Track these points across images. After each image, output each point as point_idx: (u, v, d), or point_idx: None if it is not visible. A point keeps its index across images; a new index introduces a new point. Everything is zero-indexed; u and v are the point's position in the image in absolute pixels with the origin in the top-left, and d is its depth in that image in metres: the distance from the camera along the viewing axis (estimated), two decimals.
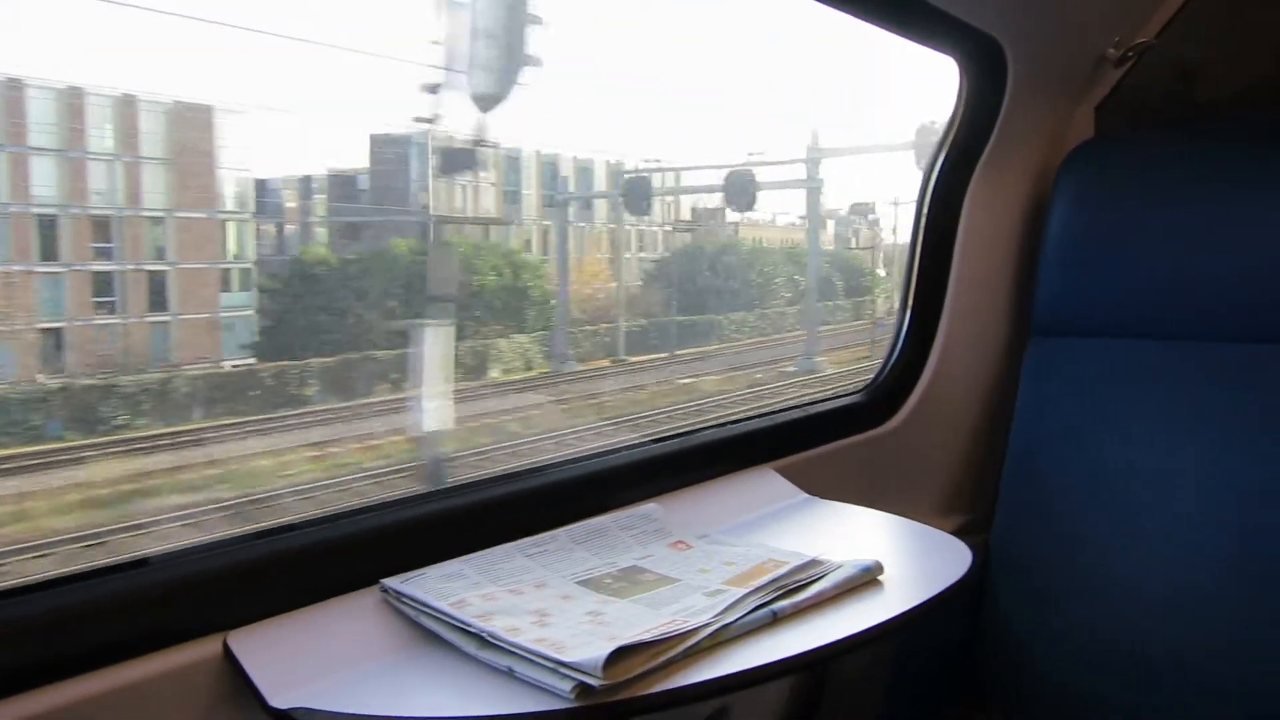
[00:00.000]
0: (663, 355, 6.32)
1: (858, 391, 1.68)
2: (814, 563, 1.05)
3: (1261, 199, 1.48)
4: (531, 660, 0.84)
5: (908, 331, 1.71)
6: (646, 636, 0.86)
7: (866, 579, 1.06)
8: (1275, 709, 1.38)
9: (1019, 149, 1.70)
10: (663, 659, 0.85)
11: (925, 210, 1.70)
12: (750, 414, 1.49)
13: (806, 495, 1.37)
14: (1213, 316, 1.50)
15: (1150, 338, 1.54)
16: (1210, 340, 1.50)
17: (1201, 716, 1.43)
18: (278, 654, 0.88)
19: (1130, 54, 1.67)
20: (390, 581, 0.97)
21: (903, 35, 1.49)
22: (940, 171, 1.68)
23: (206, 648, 0.87)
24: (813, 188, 6.42)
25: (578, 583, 1.01)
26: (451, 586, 0.97)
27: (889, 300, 6.68)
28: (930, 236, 1.70)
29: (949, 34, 1.52)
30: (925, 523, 1.28)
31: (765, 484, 1.37)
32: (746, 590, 0.98)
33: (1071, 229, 1.62)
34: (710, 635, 0.90)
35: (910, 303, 1.71)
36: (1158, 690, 1.46)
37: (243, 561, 0.94)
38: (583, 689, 0.81)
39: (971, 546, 1.17)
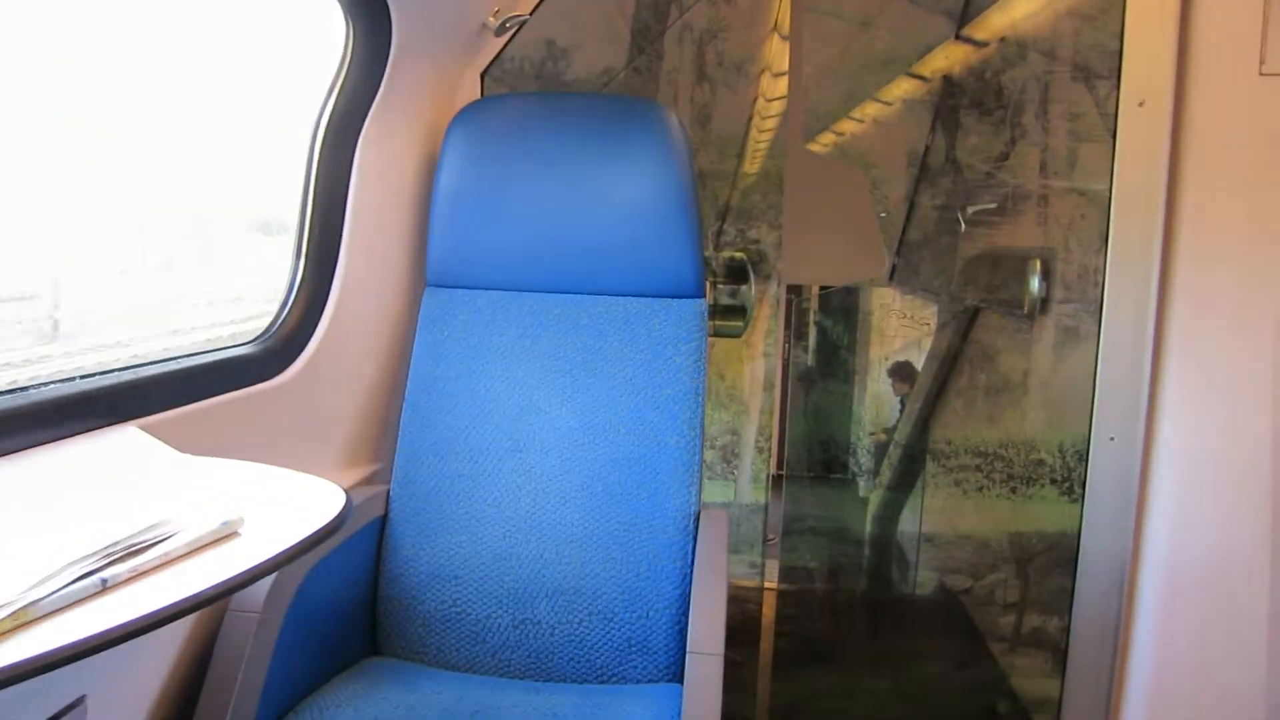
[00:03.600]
0: None
1: (248, 343, 1.59)
2: (162, 524, 0.97)
3: (575, 173, 1.74)
4: None
5: (301, 281, 1.66)
6: None
7: (226, 533, 1.00)
8: (603, 606, 1.63)
9: (408, 105, 1.74)
10: None
11: (316, 160, 1.66)
12: (107, 367, 1.32)
13: (178, 454, 1.26)
14: (552, 271, 1.74)
15: (517, 289, 1.73)
16: (552, 292, 1.74)
17: (558, 619, 1.64)
18: None
19: (508, 25, 1.81)
20: None
21: None
22: (330, 121, 1.66)
23: None
24: None
25: None
26: None
27: None
28: (323, 186, 1.67)
29: None
30: (329, 476, 1.26)
31: (126, 445, 1.23)
32: (67, 562, 0.87)
33: (457, 187, 1.72)
34: (9, 616, 0.78)
35: (304, 251, 1.67)
36: (528, 603, 1.64)
37: None
38: None
39: (349, 494, 1.17)
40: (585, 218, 1.72)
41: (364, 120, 1.67)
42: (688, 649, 1.42)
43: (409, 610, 1.68)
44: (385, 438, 1.80)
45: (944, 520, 2.35)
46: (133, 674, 1.29)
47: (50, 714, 1.09)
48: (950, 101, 2.16)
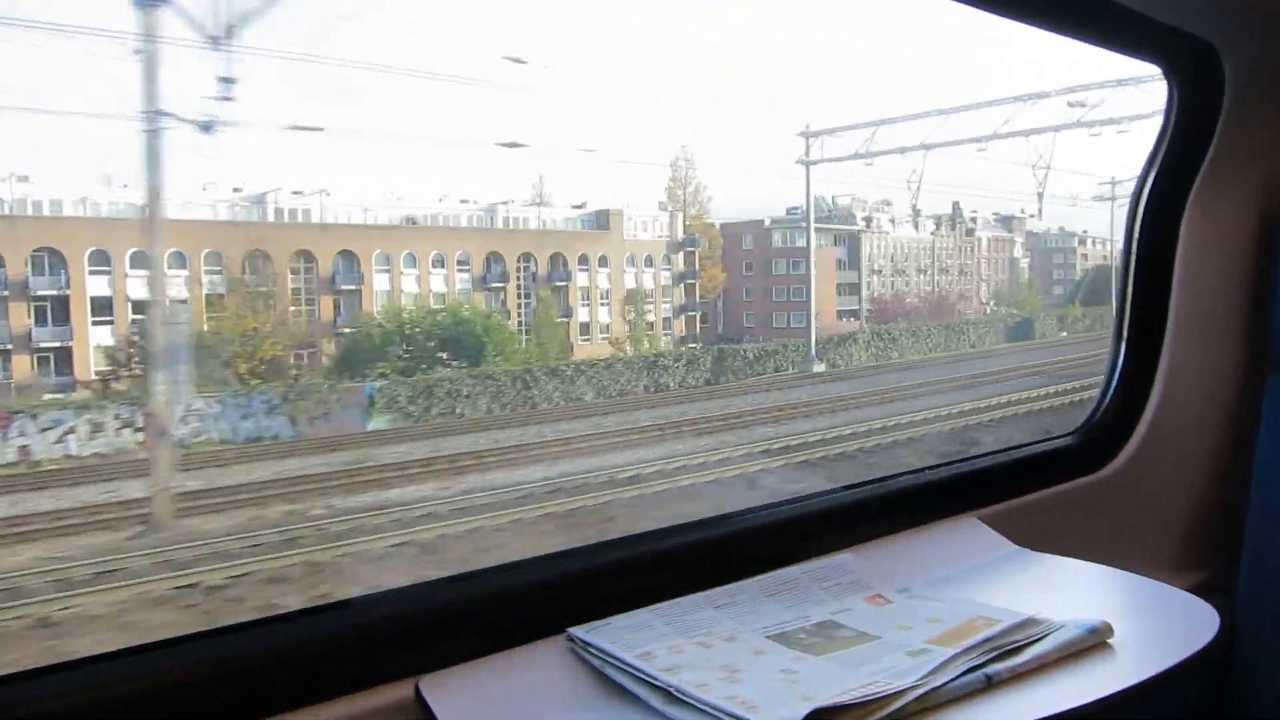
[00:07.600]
0: None
1: (1069, 434, 1.54)
2: (1031, 622, 0.96)
3: None
4: (721, 718, 0.79)
5: (1123, 367, 1.55)
6: (846, 699, 0.79)
7: (1093, 641, 0.95)
8: None
9: (1241, 162, 1.52)
10: None
11: (1137, 234, 1.55)
12: (950, 459, 1.39)
13: (1016, 547, 1.25)
14: None
15: None
16: None
17: None
18: (467, 700, 0.88)
19: None
20: (577, 630, 0.95)
21: (1099, 45, 1.39)
22: (1151, 191, 1.53)
23: (399, 692, 0.88)
24: None
25: (769, 637, 0.96)
26: (638, 637, 0.94)
27: None
28: (1144, 262, 1.55)
29: (1153, 40, 1.40)
30: (1154, 579, 1.15)
31: (969, 534, 1.27)
32: (956, 651, 0.90)
33: None
34: (917, 699, 0.83)
35: (1125, 335, 1.56)
36: None
37: (435, 607, 0.96)
38: None
39: (1214, 607, 1.03)
40: None
41: (1190, 186, 1.51)
42: None
43: None
44: (1219, 541, 1.56)
45: None
46: None
47: None
48: None
